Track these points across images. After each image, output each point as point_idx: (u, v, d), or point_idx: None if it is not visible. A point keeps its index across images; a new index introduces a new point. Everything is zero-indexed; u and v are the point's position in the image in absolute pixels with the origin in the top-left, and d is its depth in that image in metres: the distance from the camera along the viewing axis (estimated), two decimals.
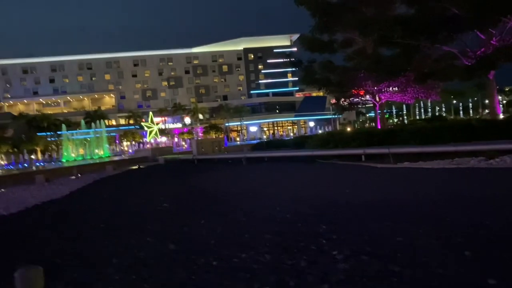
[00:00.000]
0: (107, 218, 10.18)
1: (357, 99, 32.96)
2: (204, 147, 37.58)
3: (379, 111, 33.70)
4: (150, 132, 58.95)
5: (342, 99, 32.99)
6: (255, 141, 73.60)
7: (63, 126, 67.90)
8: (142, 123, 66.10)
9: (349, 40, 30.70)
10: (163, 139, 79.10)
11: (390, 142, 21.62)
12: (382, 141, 22.68)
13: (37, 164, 56.98)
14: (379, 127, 32.21)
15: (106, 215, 10.62)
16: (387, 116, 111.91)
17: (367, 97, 32.76)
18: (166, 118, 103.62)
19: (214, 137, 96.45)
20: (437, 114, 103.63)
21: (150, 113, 62.57)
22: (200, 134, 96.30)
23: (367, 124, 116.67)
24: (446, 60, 23.51)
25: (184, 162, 33.20)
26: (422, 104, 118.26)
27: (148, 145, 59.32)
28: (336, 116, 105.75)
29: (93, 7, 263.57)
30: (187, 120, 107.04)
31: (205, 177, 19.48)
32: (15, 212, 12.56)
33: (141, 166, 31.76)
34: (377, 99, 32.04)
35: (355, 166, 19.14)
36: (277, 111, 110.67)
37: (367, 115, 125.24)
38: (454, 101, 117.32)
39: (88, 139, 67.18)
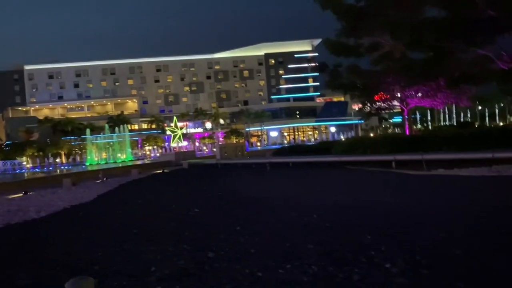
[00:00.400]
0: (140, 224, 9.97)
1: (384, 104, 32.23)
2: (227, 152, 37.42)
3: (407, 117, 32.91)
4: (174, 137, 59.19)
5: (368, 104, 32.31)
6: (276, 146, 73.21)
7: (87, 130, 68.75)
8: (166, 128, 66.53)
9: (376, 44, 30.08)
10: (185, 143, 79.37)
11: (422, 148, 20.96)
12: (412, 147, 22.01)
13: (62, 167, 57.92)
14: (408, 133, 31.43)
15: (138, 220, 10.43)
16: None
17: (394, 102, 32.01)
18: (187, 123, 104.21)
19: (234, 142, 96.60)
20: (462, 120, 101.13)
21: (174, 117, 62.95)
22: (221, 139, 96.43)
23: (390, 130, 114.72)
24: (480, 64, 22.71)
25: (208, 166, 33.02)
26: (446, 110, 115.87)
27: (174, 149, 59.58)
28: (358, 121, 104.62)
29: (116, 14, 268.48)
30: (208, 125, 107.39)
31: (232, 182, 19.21)
32: (46, 215, 12.50)
33: (165, 170, 31.73)
34: (405, 104, 31.29)
35: (386, 172, 18.58)
36: (297, 116, 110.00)
37: (390, 120, 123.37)
38: (479, 107, 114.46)
39: (111, 143, 67.99)
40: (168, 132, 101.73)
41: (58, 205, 14.46)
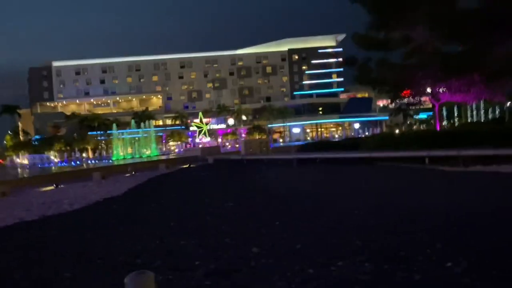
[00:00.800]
0: (176, 217, 9.82)
1: (413, 100, 31.32)
2: (252, 148, 37.21)
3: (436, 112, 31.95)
4: (200, 132, 59.37)
5: (398, 100, 31.45)
6: (298, 143, 72.60)
7: (114, 125, 69.76)
8: (192, 123, 66.80)
9: (407, 38, 29.24)
10: (207, 139, 79.66)
11: (455, 144, 20.20)
12: (445, 143, 21.25)
13: (89, 162, 58.91)
14: (438, 129, 30.52)
15: (174, 214, 10.28)
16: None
17: (425, 97, 31.09)
18: (210, 119, 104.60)
19: (257, 138, 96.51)
20: (491, 116, 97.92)
21: (200, 113, 63.01)
22: (243, 135, 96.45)
23: (415, 127, 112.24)
24: None
25: (234, 162, 32.89)
26: (474, 106, 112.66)
27: (199, 145, 59.79)
28: (383, 118, 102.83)
29: (140, 12, 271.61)
30: (230, 121, 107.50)
31: (261, 177, 18.95)
32: (79, 208, 12.52)
33: (191, 165, 31.76)
34: (437, 99, 30.35)
35: (420, 169, 17.99)
36: (320, 112, 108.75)
37: (416, 117, 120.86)
38: (508, 103, 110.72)
39: (137, 138, 68.79)
40: (191, 128, 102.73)
41: (91, 198, 14.50)
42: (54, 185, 20.10)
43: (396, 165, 20.69)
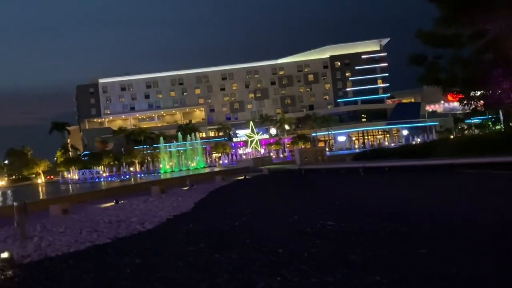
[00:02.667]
0: (265, 238, 8.18)
1: (492, 99, 28.39)
2: (307, 157, 35.36)
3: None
4: (251, 142, 58.07)
5: (474, 100, 28.63)
6: (344, 152, 70.03)
7: (161, 139, 70.05)
8: (244, 133, 65.74)
9: (481, 32, 26.69)
10: (259, 149, 78.41)
11: None
12: None
13: (138, 175, 58.98)
14: None
15: (261, 234, 8.64)
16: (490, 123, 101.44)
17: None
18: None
19: (301, 147, 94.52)
20: None
21: (251, 122, 61.72)
22: (287, 145, 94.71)
23: (466, 132, 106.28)
24: None
25: (291, 172, 31.18)
26: None
27: (249, 155, 58.53)
28: (433, 123, 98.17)
29: (179, 26, 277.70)
30: (273, 131, 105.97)
31: (337, 190, 17.13)
32: (152, 228, 11.16)
33: (247, 177, 30.32)
34: None
35: None
36: (364, 119, 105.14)
37: (467, 121, 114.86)
38: None
39: (184, 151, 68.70)
40: (235, 139, 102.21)
41: (160, 215, 13.19)
42: (115, 201, 19.10)
43: (484, 172, 18.25)
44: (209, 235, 9.22)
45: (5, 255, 8.26)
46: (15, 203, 14.85)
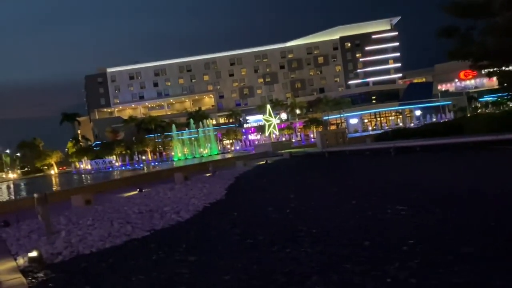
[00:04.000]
0: (336, 227, 6.99)
1: None
2: (328, 139, 34.02)
3: None
4: (269, 126, 56.56)
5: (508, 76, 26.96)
6: (357, 134, 68.34)
7: (173, 127, 69.07)
8: (262, 117, 64.13)
9: None
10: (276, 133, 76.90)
11: None
12: None
13: (151, 164, 58.18)
14: None
15: (326, 221, 7.46)
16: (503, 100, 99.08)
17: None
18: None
19: (314, 130, 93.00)
20: None
21: (268, 106, 60.09)
22: (297, 129, 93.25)
23: (479, 110, 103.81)
24: None
25: (313, 155, 29.99)
26: None
27: (269, 139, 57.12)
28: (446, 103, 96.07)
29: (186, 13, 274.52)
30: (283, 115, 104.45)
31: (377, 171, 15.89)
32: (190, 217, 10.05)
33: (268, 161, 29.14)
34: None
35: None
36: (373, 101, 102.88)
37: (480, 99, 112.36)
38: None
39: (196, 138, 67.67)
40: (245, 125, 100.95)
41: (194, 203, 12.06)
42: (138, 190, 18.05)
43: None
44: (261, 225, 8.06)
45: (33, 254, 7.18)
46: (35, 195, 13.86)
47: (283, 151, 33.74)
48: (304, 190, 12.43)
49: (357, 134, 59.05)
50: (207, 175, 22.85)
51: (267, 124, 56.36)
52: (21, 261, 7.49)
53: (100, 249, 7.73)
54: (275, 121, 56.25)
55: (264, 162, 28.90)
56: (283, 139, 71.72)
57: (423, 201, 8.56)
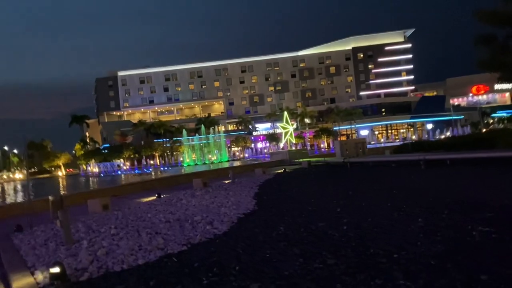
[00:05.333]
0: (410, 254, 5.78)
1: None
2: (348, 149, 32.82)
3: None
4: (286, 134, 55.30)
5: None
6: (372, 145, 67.02)
7: (184, 132, 68.17)
8: (279, 124, 63.00)
9: None
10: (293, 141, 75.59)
11: None
12: None
13: (162, 168, 57.18)
14: None
15: (396, 247, 6.24)
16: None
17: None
18: (272, 124, 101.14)
19: (325, 140, 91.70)
20: None
21: (285, 113, 58.98)
22: (306, 139, 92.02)
23: (491, 126, 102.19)
24: None
25: (334, 166, 28.74)
26: None
27: (286, 147, 55.84)
28: (458, 117, 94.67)
29: (198, 21, 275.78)
30: (293, 124, 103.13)
31: (415, 184, 14.67)
32: (227, 229, 8.87)
33: (287, 170, 27.93)
34: None
35: None
36: (383, 113, 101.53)
37: (493, 115, 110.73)
38: None
39: (207, 144, 66.71)
40: (254, 133, 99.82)
41: (225, 213, 10.89)
42: (156, 195, 16.93)
43: None
44: (321, 243, 6.85)
45: (55, 269, 6.02)
46: (50, 197, 12.79)
47: (300, 159, 32.55)
48: (347, 202, 11.21)
49: (373, 146, 57.76)
50: (226, 182, 21.71)
51: (283, 131, 55.07)
52: (40, 276, 6.36)
53: (132, 266, 6.56)
54: (291, 128, 54.89)
55: (282, 171, 27.71)
56: (293, 148, 70.67)
57: (503, 221, 7.34)
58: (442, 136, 73.87)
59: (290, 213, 10.32)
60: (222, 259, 6.41)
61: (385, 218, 8.40)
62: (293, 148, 52.43)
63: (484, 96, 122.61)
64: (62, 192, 27.63)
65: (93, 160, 78.07)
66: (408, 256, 5.62)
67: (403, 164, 24.36)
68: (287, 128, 54.07)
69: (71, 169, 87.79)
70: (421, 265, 5.20)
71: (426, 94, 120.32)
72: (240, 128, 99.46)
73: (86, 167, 78.29)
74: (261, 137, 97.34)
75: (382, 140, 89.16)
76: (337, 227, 7.97)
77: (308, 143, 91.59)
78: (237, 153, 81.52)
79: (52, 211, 12.40)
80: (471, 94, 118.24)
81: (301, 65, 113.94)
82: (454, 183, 14.08)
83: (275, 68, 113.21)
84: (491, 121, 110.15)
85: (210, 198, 14.76)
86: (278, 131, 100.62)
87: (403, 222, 7.95)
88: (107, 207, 13.84)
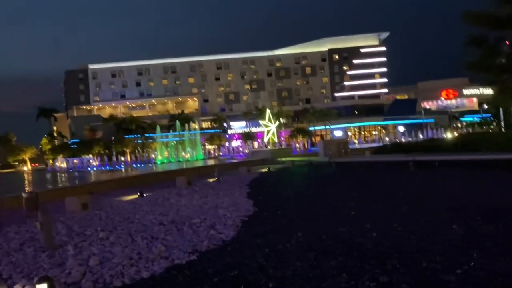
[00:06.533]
0: (475, 271, 4.95)
1: None
2: (331, 149, 32.24)
3: None
4: (268, 132, 54.08)
5: None
6: (352, 146, 66.98)
7: (158, 128, 66.17)
8: (261, 122, 61.61)
9: None
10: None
11: None
12: None
13: (134, 165, 55.14)
14: None
15: (451, 260, 5.41)
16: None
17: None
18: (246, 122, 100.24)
19: (300, 141, 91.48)
20: None
21: (268, 110, 57.80)
22: (282, 139, 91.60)
23: (459, 130, 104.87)
24: None
25: (319, 165, 28.05)
26: None
27: (268, 146, 54.64)
28: (428, 120, 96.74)
29: (174, 15, 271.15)
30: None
31: (415, 186, 14.05)
32: (235, 235, 7.82)
33: (271, 169, 27.02)
34: None
35: None
36: (356, 113, 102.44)
37: (462, 119, 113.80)
38: None
39: (178, 141, 64.99)
40: (230, 131, 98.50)
41: (226, 215, 9.82)
42: (139, 194, 15.65)
43: None
44: (354, 254, 5.92)
45: (43, 286, 4.83)
46: (24, 194, 11.38)
47: (284, 159, 31.72)
48: (356, 205, 10.36)
49: (352, 146, 57.82)
50: (211, 180, 20.59)
51: (266, 129, 53.93)
52: None
53: (136, 280, 5.43)
54: (273, 127, 53.80)
55: (267, 170, 26.79)
56: (269, 147, 69.93)
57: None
58: (420, 138, 74.59)
59: (299, 216, 9.38)
60: (244, 272, 5.38)
61: (413, 224, 7.57)
62: (277, 146, 51.45)
63: (453, 101, 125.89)
64: (28, 189, 25.73)
65: (61, 155, 74.90)
66: (475, 272, 4.76)
67: (390, 164, 23.90)
68: (269, 126, 53.04)
69: (37, 164, 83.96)
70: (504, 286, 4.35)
71: (398, 97, 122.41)
72: (215, 126, 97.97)
73: (53, 162, 75.03)
74: (236, 135, 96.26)
75: (356, 141, 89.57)
76: (363, 233, 7.07)
77: (284, 142, 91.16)
78: (212, 152, 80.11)
79: (26, 209, 11.01)
80: (442, 98, 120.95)
81: (278, 64, 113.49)
82: (449, 184, 13.58)
83: (251, 66, 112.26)
84: (460, 125, 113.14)
85: (200, 198, 13.65)
86: (253, 129, 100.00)
87: (435, 227, 7.14)
88: (86, 206, 12.50)
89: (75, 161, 63.65)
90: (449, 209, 8.78)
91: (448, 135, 67.03)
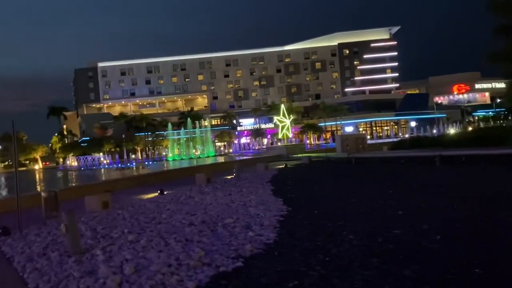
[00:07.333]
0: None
1: None
2: (348, 144, 31.47)
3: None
4: (282, 128, 53.31)
5: None
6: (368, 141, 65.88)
7: (169, 125, 65.77)
8: (275, 117, 60.93)
9: None
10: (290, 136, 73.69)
11: None
12: None
13: (146, 163, 54.79)
14: None
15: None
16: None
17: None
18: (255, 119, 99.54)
19: (312, 136, 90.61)
20: None
21: (282, 106, 57.01)
22: (291, 135, 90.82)
23: (472, 125, 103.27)
24: None
25: (338, 161, 27.30)
26: None
27: (280, 142, 53.97)
28: (441, 115, 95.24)
29: (183, 13, 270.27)
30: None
31: (457, 185, 13.26)
32: (275, 237, 7.13)
33: (288, 166, 26.33)
34: None
35: None
36: (364, 109, 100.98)
37: (474, 114, 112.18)
38: None
39: (189, 138, 64.56)
40: (239, 128, 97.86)
41: (257, 214, 9.15)
42: (159, 191, 15.05)
43: None
44: (420, 259, 5.21)
45: None
46: (43, 193, 10.80)
47: (299, 155, 31.00)
48: (398, 204, 9.63)
49: (369, 142, 56.99)
50: (229, 177, 19.95)
51: (280, 125, 53.11)
52: None
53: None
54: (288, 122, 52.87)
55: (284, 166, 26.11)
56: (279, 144, 69.13)
57: None
58: (434, 133, 73.26)
59: (339, 215, 8.67)
60: (306, 283, 4.69)
61: (477, 224, 6.83)
62: (289, 142, 50.71)
63: (465, 95, 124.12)
64: (41, 187, 25.34)
65: (71, 154, 74.87)
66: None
67: (414, 160, 23.08)
68: (284, 122, 52.19)
69: (47, 163, 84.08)
70: None
71: (409, 92, 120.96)
72: (224, 122, 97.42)
73: (64, 160, 75.05)
74: (246, 132, 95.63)
75: (369, 136, 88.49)
76: (423, 235, 6.36)
77: (294, 138, 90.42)
78: (222, 148, 79.62)
79: (45, 209, 10.43)
80: (454, 93, 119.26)
81: (287, 60, 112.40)
82: (485, 180, 12.76)
83: (260, 63, 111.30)
84: (472, 119, 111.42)
85: (224, 195, 13.00)
86: (263, 126, 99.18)
87: (494, 228, 6.40)
88: (107, 205, 11.91)
89: (87, 159, 63.38)
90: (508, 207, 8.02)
91: (463, 129, 65.82)
